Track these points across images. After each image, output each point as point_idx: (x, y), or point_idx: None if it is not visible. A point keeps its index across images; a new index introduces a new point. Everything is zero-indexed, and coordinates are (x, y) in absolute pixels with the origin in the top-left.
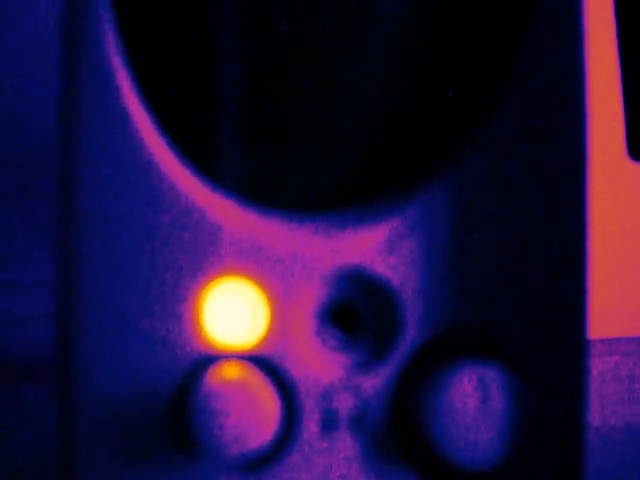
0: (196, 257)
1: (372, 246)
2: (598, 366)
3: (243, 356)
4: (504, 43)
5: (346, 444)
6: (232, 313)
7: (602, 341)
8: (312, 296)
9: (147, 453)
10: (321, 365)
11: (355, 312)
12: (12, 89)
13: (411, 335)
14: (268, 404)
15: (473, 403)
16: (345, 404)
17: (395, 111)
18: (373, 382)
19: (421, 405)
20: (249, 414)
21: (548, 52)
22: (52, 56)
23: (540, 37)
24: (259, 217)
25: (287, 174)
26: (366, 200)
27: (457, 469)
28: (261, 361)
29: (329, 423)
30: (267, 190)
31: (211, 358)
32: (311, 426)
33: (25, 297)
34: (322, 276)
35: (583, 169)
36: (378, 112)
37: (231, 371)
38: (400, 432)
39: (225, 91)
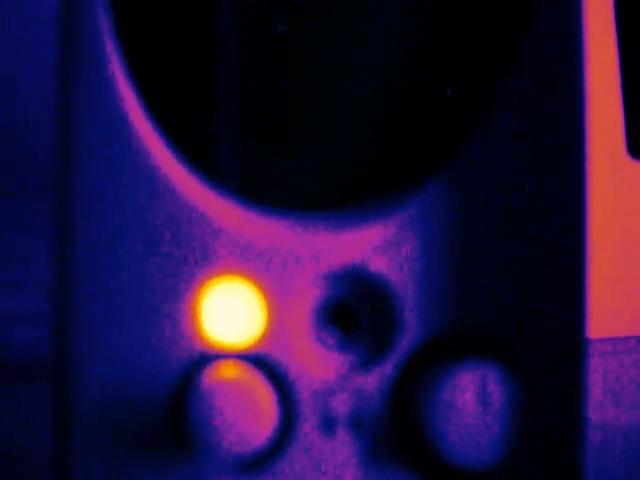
0: (193, 256)
1: (371, 245)
2: (598, 366)
3: (241, 355)
4: (503, 42)
5: (344, 444)
6: (230, 312)
7: (602, 341)
8: (310, 295)
9: (145, 453)
10: (319, 365)
11: (354, 312)
12: (10, 89)
13: (410, 335)
14: (265, 404)
15: (472, 403)
16: (343, 404)
17: (394, 110)
18: (372, 382)
19: (420, 405)
20: (246, 414)
21: (548, 51)
22: (50, 55)
23: (540, 36)
24: (257, 216)
25: (285, 173)
26: (365, 199)
27: (456, 469)
28: (259, 360)
29: (327, 423)
30: (265, 189)
31: (209, 357)
32: (309, 426)
33: (25, 297)
34: (320, 275)
35: (583, 167)
36: (377, 111)
37: (228, 370)
38: (399, 432)
39: (223, 90)
